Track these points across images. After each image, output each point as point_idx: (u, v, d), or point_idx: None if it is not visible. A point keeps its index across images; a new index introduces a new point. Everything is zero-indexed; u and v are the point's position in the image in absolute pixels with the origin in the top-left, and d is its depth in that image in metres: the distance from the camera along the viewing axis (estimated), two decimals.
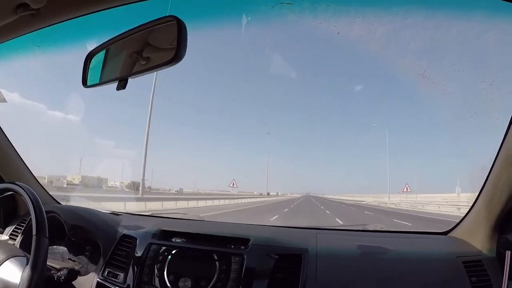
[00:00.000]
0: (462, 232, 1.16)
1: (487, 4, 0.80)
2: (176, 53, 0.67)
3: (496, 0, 0.75)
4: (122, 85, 0.78)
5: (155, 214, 1.72)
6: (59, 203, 1.52)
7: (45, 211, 0.92)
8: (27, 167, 1.44)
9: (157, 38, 0.74)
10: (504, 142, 0.93)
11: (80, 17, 0.95)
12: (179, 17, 0.70)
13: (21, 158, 1.43)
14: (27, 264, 0.85)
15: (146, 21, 0.74)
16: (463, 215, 1.19)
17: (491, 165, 0.99)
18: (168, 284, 0.99)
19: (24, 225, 1.20)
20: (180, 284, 0.98)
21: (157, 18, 0.73)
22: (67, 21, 0.96)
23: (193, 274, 0.99)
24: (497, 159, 0.96)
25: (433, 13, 0.86)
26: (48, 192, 1.53)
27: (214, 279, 0.97)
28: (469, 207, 1.12)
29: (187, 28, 0.70)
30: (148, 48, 0.75)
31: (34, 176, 1.47)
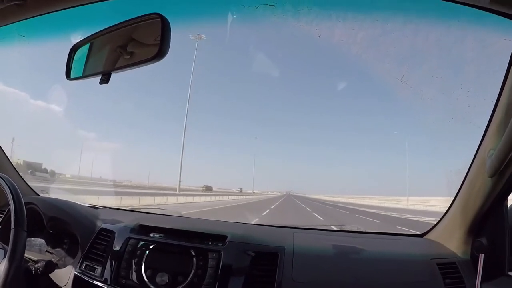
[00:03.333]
0: (438, 234, 1.23)
1: (465, 13, 0.86)
2: (159, 50, 0.72)
3: (473, 9, 0.82)
4: (105, 79, 0.82)
5: (134, 209, 1.76)
6: (38, 195, 1.55)
7: (24, 203, 0.95)
8: (7, 156, 1.46)
9: (142, 35, 0.79)
10: (480, 148, 1.00)
11: (66, 10, 0.99)
12: (163, 14, 0.75)
13: (1, 149, 1.45)
14: (4, 257, 0.88)
15: (132, 17, 0.79)
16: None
17: (466, 169, 1.05)
18: (146, 279, 1.03)
19: (3, 216, 1.22)
20: (158, 279, 1.02)
21: (142, 14, 0.77)
22: (53, 12, 1.00)
23: (171, 269, 1.04)
24: (473, 164, 1.03)
25: (412, 20, 0.92)
26: (27, 183, 1.56)
27: (191, 274, 1.01)
28: (445, 211, 1.19)
29: (172, 26, 0.76)
30: (132, 44, 0.80)
31: (14, 166, 1.50)
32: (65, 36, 1.16)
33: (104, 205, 1.67)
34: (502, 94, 0.90)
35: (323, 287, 1.03)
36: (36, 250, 1.29)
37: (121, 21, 0.80)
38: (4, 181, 0.99)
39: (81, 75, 0.91)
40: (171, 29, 0.75)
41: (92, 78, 0.87)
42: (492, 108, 0.94)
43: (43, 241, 1.29)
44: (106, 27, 0.83)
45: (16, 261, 0.86)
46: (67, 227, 1.26)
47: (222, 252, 1.05)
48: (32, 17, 1.02)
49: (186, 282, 1.01)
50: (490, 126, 0.95)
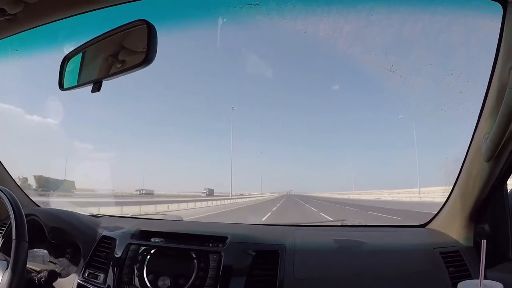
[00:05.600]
0: (439, 224, 1.24)
1: None
2: (146, 56, 0.75)
3: None
4: (97, 87, 0.85)
5: (135, 215, 1.79)
6: (38, 206, 1.59)
7: (25, 214, 0.98)
8: (6, 169, 1.51)
9: (129, 42, 0.82)
10: (475, 133, 1.01)
11: (57, 21, 1.03)
12: (149, 20, 0.79)
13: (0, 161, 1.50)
14: (7, 268, 0.91)
15: (119, 25, 0.82)
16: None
17: (463, 156, 1.07)
18: (148, 284, 1.06)
19: (4, 229, 1.26)
20: (159, 283, 1.05)
21: (129, 22, 0.81)
22: (44, 25, 1.04)
23: (172, 273, 1.06)
24: (469, 150, 1.04)
25: (396, 8, 0.94)
26: (27, 195, 1.60)
27: (193, 277, 1.04)
28: (445, 199, 1.20)
29: (158, 31, 0.79)
30: (121, 51, 0.83)
31: (13, 179, 1.55)
32: (57, 47, 1.20)
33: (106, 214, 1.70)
34: (493, 78, 0.92)
35: (326, 282, 1.05)
36: (39, 261, 1.33)
37: (109, 29, 0.84)
38: (4, 193, 1.02)
39: (73, 85, 0.94)
40: (158, 35, 0.78)
41: (85, 87, 0.90)
42: (485, 92, 0.96)
43: (46, 251, 1.33)
44: (96, 35, 0.87)
45: (19, 271, 0.89)
46: (69, 237, 1.30)
47: (222, 253, 1.07)
48: (23, 31, 1.05)
49: (188, 284, 1.03)
50: (483, 110, 0.96)
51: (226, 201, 21.79)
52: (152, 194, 23.21)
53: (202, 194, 27.64)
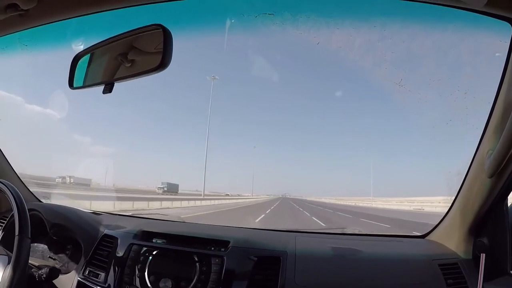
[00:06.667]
0: (439, 235, 1.26)
1: (460, 17, 0.90)
2: (162, 61, 0.76)
3: (468, 12, 0.86)
4: (108, 88, 0.86)
5: (136, 214, 1.80)
6: (40, 201, 1.59)
7: (27, 209, 0.98)
8: (9, 164, 1.51)
9: (144, 45, 0.83)
10: (478, 149, 1.03)
11: (69, 19, 1.03)
12: (164, 24, 0.79)
13: (3, 155, 1.49)
14: (8, 263, 0.91)
15: (133, 28, 0.83)
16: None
17: (466, 170, 1.09)
18: (149, 285, 1.07)
19: (5, 222, 1.26)
20: (161, 284, 1.06)
21: (144, 25, 0.81)
22: (56, 22, 1.04)
23: (174, 275, 1.07)
24: (472, 165, 1.06)
25: (408, 25, 0.96)
26: (29, 190, 1.60)
27: (194, 280, 1.05)
28: (446, 211, 1.23)
29: (173, 36, 0.79)
30: (135, 54, 0.83)
31: (16, 173, 1.54)
32: (67, 45, 1.20)
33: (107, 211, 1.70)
34: (499, 96, 0.94)
35: None
36: (39, 256, 1.33)
37: (123, 31, 0.84)
38: (7, 187, 1.02)
39: (84, 84, 0.94)
40: (173, 40, 0.79)
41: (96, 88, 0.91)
42: (490, 109, 0.98)
43: (45, 246, 1.33)
44: (108, 37, 0.87)
45: (20, 268, 0.89)
46: (70, 233, 1.30)
47: (225, 258, 1.09)
48: (34, 26, 1.05)
49: (189, 287, 1.04)
50: (488, 127, 0.99)
51: (195, 202, 16.37)
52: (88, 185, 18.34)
53: (157, 190, 20.90)
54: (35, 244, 1.35)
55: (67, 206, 1.43)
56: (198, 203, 16.46)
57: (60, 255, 1.32)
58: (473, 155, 1.06)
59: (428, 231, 1.33)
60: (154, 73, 0.78)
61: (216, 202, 19.16)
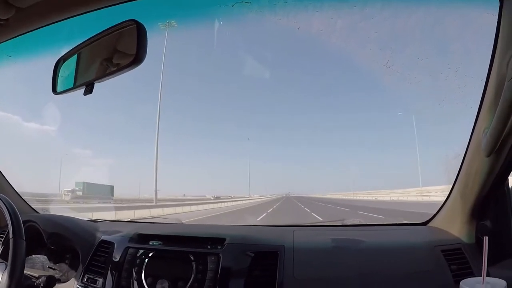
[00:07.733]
0: (441, 221, 1.23)
1: None
2: (136, 56, 0.75)
3: None
4: (89, 90, 0.85)
5: (134, 220, 1.80)
6: (37, 212, 1.60)
7: (23, 221, 0.99)
8: (4, 176, 1.52)
9: (120, 42, 0.82)
10: (475, 128, 1.00)
11: (49, 25, 1.03)
12: (139, 20, 0.78)
13: None
14: (5, 269, 0.92)
15: (108, 26, 0.82)
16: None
17: (463, 152, 1.05)
18: (146, 287, 1.06)
19: (4, 236, 1.27)
20: (158, 286, 1.05)
21: (118, 23, 0.81)
22: (37, 29, 1.04)
23: (171, 276, 1.06)
24: (469, 146, 1.03)
25: (390, 2, 0.94)
26: (26, 201, 1.61)
27: (191, 279, 1.04)
28: (446, 197, 1.19)
29: (148, 31, 0.79)
30: (111, 52, 0.83)
31: (11, 185, 1.55)
32: (51, 51, 1.20)
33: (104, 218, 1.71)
34: (491, 71, 0.90)
35: (326, 282, 1.04)
36: (39, 267, 1.34)
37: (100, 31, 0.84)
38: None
39: (67, 88, 0.94)
40: (148, 34, 0.78)
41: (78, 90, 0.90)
42: (483, 86, 0.95)
43: (45, 257, 1.33)
44: (88, 38, 0.87)
45: (18, 269, 0.89)
46: (68, 242, 1.30)
47: (221, 255, 1.07)
48: (16, 36, 1.06)
49: (186, 287, 1.03)
50: (482, 105, 0.95)
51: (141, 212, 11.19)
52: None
53: (63, 196, 14.20)
54: (35, 256, 1.35)
55: (63, 215, 1.44)
56: (144, 212, 11.24)
57: (59, 264, 1.32)
58: (469, 135, 1.03)
59: (429, 218, 1.29)
60: (130, 69, 0.77)
61: (178, 209, 13.97)
